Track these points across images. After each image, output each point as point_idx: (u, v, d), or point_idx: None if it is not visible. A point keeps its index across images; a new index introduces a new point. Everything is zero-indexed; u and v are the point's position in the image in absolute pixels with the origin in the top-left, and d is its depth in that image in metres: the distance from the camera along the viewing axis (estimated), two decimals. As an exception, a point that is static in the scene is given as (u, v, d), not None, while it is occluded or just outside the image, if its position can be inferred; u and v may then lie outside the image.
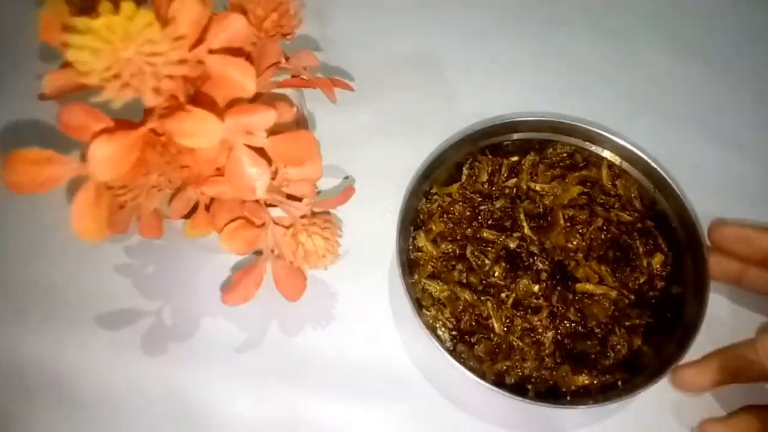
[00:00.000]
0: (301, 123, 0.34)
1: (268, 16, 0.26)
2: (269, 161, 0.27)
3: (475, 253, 0.37)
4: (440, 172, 0.40)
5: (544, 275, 0.36)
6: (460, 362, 0.33)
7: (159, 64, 0.19)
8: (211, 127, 0.22)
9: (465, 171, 0.40)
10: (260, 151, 0.25)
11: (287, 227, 0.30)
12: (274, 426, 0.35)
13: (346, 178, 0.43)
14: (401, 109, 0.46)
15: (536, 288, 0.36)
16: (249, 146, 0.25)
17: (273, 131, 0.26)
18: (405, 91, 0.47)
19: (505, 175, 0.40)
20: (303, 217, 0.32)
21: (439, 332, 0.36)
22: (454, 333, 0.36)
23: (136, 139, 0.22)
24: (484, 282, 0.36)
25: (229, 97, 0.25)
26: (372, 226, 0.41)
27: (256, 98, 0.29)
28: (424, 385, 0.37)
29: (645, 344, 0.36)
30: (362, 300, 0.39)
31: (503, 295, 0.36)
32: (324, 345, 0.38)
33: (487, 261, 0.36)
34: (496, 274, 0.36)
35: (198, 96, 0.26)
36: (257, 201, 0.30)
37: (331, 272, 0.40)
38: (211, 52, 0.22)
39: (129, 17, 0.18)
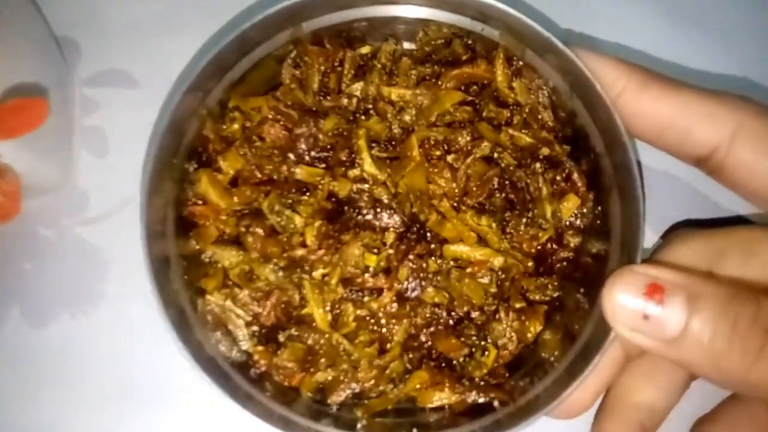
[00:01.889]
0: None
1: None
2: None
3: (276, 207, 0.23)
4: (249, 76, 0.26)
5: (391, 237, 0.23)
6: (255, 376, 0.21)
7: None
8: None
9: (286, 70, 0.26)
10: None
11: None
12: None
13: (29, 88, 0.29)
14: None
15: (373, 260, 0.22)
16: None
17: None
18: None
19: (349, 75, 0.26)
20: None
21: (234, 330, 0.23)
22: (255, 329, 0.23)
23: None
24: (286, 253, 0.23)
25: None
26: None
27: None
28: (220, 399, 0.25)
29: (548, 329, 0.24)
30: (143, 270, 0.26)
31: (320, 271, 0.23)
32: (86, 337, 0.28)
33: (297, 219, 0.23)
34: (307, 241, 0.22)
35: None
36: None
37: (99, 230, 0.30)
38: None
39: None
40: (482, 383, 0.22)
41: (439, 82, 0.25)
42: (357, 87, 0.26)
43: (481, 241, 0.24)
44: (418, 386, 0.23)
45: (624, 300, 0.19)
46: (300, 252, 0.22)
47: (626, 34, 0.31)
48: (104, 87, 0.31)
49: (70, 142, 0.30)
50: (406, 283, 0.23)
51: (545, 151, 0.25)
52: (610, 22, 0.31)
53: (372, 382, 0.23)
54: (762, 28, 0.32)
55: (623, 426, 0.24)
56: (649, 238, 0.28)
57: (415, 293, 0.23)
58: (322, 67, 0.26)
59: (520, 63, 0.26)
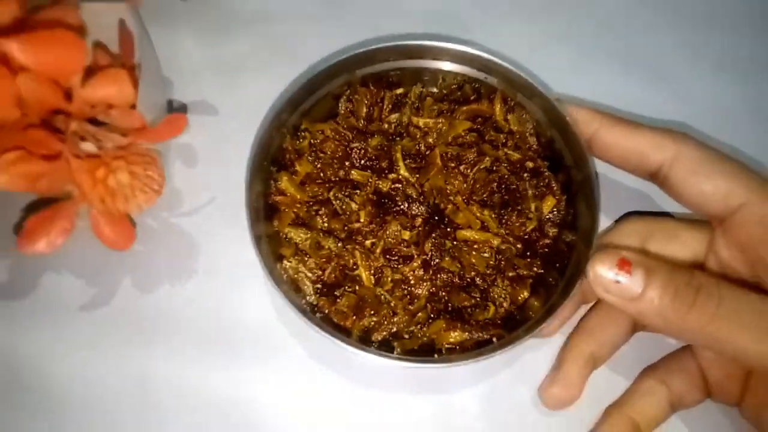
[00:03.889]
0: (124, 41, 0.28)
1: None
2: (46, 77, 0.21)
3: (340, 196, 0.32)
4: (315, 107, 0.35)
5: (419, 221, 0.32)
6: (318, 320, 0.29)
7: None
8: None
9: (342, 104, 0.35)
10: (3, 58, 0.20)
11: (89, 160, 0.25)
12: (124, 392, 0.32)
13: (176, 107, 0.38)
14: (274, 36, 0.41)
15: (407, 235, 0.31)
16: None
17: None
18: (278, 16, 0.42)
19: (388, 108, 0.35)
20: (122, 150, 0.27)
21: (302, 286, 0.32)
22: (318, 286, 0.32)
23: None
24: (347, 228, 0.32)
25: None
26: (240, 168, 0.36)
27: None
28: (292, 344, 0.34)
29: (533, 296, 0.32)
30: (227, 251, 0.36)
31: (369, 242, 0.31)
32: (183, 302, 0.35)
33: (353, 205, 0.32)
34: (362, 219, 0.31)
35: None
36: (52, 129, 0.25)
37: (194, 221, 0.37)
38: None
39: None
40: (484, 324, 0.31)
41: (454, 115, 0.35)
42: (394, 117, 0.35)
43: (484, 227, 0.32)
44: (437, 330, 0.31)
45: (603, 270, 0.26)
46: (356, 225, 0.31)
47: (599, 89, 0.40)
48: (192, 114, 0.39)
49: (168, 155, 0.39)
50: (429, 253, 0.31)
51: (530, 164, 0.33)
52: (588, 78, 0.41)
53: (404, 324, 0.31)
54: (702, 77, 0.42)
55: (578, 357, 0.31)
56: (606, 223, 0.36)
57: (436, 261, 0.32)
58: (368, 102, 0.36)
59: (513, 102, 0.35)
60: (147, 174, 0.26)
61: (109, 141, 0.26)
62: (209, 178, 0.38)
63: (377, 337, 0.31)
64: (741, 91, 0.41)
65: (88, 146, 0.26)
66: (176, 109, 0.39)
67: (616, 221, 0.35)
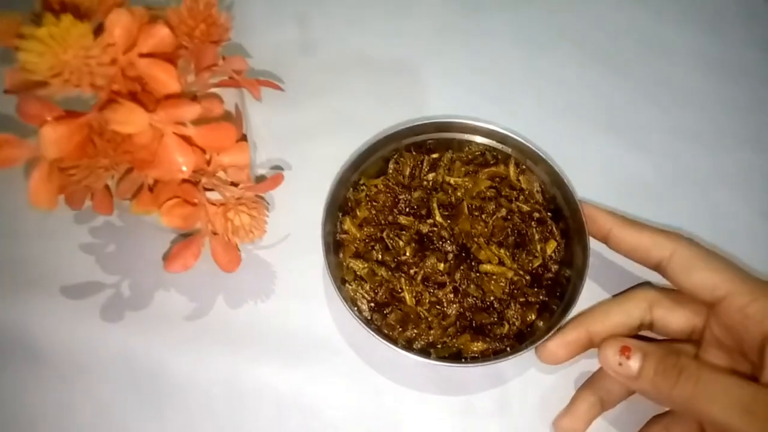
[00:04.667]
0: (238, 119, 0.39)
1: (198, 26, 0.32)
2: (201, 150, 0.32)
3: (391, 235, 0.42)
4: (370, 166, 0.45)
5: (450, 256, 0.41)
6: (374, 329, 0.38)
7: (93, 65, 0.25)
8: (137, 116, 0.27)
9: (391, 165, 0.45)
10: (188, 139, 0.30)
11: (219, 206, 0.35)
12: (216, 386, 0.39)
13: (278, 167, 0.48)
14: (336, 109, 0.50)
15: (441, 266, 0.41)
16: (177, 134, 0.30)
17: (204, 123, 0.31)
18: (340, 93, 0.51)
19: (426, 169, 0.45)
20: (238, 199, 0.37)
21: (359, 304, 0.41)
22: (372, 304, 0.41)
23: (80, 124, 0.28)
24: (396, 260, 0.41)
25: (162, 93, 0.30)
26: (309, 212, 0.44)
27: (196, 96, 0.35)
28: (348, 350, 0.41)
29: (538, 319, 0.41)
30: (298, 277, 0.43)
31: (412, 271, 0.41)
32: (263, 316, 0.41)
33: (401, 242, 0.42)
34: (407, 253, 0.41)
35: (141, 92, 0.31)
36: (193, 183, 0.35)
37: (272, 252, 0.45)
38: (141, 56, 0.27)
39: (67, 28, 0.24)
40: (500, 337, 0.39)
41: (478, 175, 0.45)
42: (431, 176, 0.45)
43: (501, 262, 0.41)
44: (464, 342, 0.40)
45: (610, 355, 0.33)
46: (403, 258, 0.41)
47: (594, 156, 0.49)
48: (272, 169, 0.48)
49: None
50: (458, 282, 0.40)
51: (537, 215, 0.43)
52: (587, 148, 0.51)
53: (438, 336, 0.40)
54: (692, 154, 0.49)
55: (588, 397, 0.37)
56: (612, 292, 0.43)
57: (463, 288, 0.40)
58: (411, 164, 0.46)
59: (524, 167, 0.45)
60: (261, 217, 0.36)
61: (229, 191, 0.37)
62: (284, 221, 0.45)
63: (417, 345, 0.39)
64: (713, 159, 0.49)
65: (216, 195, 0.36)
66: (274, 169, 0.48)
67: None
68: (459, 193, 0.44)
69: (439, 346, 0.39)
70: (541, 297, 0.41)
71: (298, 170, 0.48)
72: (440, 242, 0.42)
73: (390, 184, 0.44)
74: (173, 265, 0.35)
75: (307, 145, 0.49)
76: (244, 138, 0.39)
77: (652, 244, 0.37)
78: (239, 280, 0.42)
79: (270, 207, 0.48)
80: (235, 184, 0.38)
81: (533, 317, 0.41)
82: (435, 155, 0.46)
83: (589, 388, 0.38)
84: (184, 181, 0.34)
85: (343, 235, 0.43)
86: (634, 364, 0.33)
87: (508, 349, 0.39)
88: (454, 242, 0.42)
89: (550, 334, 0.37)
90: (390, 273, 0.41)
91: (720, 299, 0.34)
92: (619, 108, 0.52)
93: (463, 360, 0.39)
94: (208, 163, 0.35)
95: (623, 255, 0.40)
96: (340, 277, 0.41)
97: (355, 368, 0.40)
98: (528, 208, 0.43)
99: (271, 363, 0.40)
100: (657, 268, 0.38)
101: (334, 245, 0.42)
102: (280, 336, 0.41)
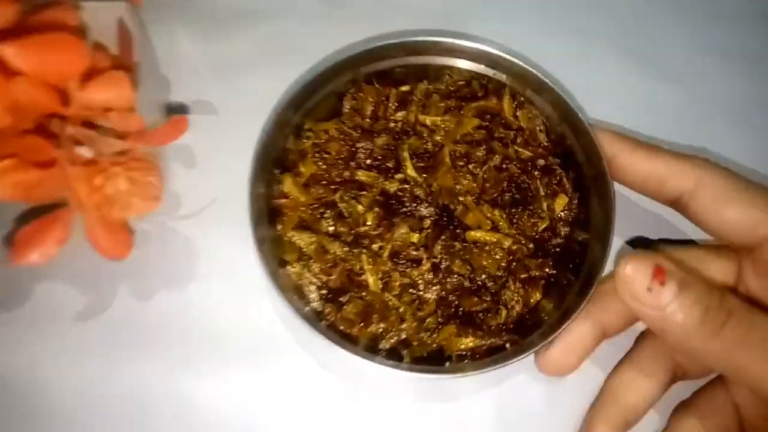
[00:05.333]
0: (123, 40, 0.27)
1: None
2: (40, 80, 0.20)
3: (346, 198, 0.31)
4: (318, 105, 0.34)
5: (427, 223, 0.31)
6: (324, 327, 0.28)
7: None
8: None
9: (346, 103, 0.34)
10: None
11: (86, 167, 0.24)
12: (120, 402, 0.31)
13: (175, 108, 0.37)
14: (276, 32, 0.40)
15: (416, 237, 0.30)
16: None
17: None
18: (281, 12, 0.41)
19: (393, 106, 0.34)
20: (120, 155, 0.26)
21: (307, 292, 0.31)
22: (323, 292, 0.31)
23: None
24: (354, 232, 0.31)
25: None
26: (241, 170, 0.35)
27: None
28: (299, 352, 0.33)
29: (545, 298, 0.31)
30: (228, 256, 0.34)
31: (376, 246, 0.30)
32: (181, 310, 0.34)
33: (360, 207, 0.31)
34: (369, 221, 0.30)
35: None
36: (47, 134, 0.24)
37: (193, 225, 0.36)
38: None
39: None
40: (496, 329, 0.30)
41: (462, 112, 0.34)
42: (400, 115, 0.34)
43: (494, 227, 0.31)
44: (447, 336, 0.30)
45: (637, 275, 0.25)
46: (363, 228, 0.30)
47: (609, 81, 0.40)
48: (192, 114, 0.38)
49: (166, 157, 0.38)
50: (439, 256, 0.30)
51: (541, 162, 0.33)
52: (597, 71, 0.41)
53: (413, 331, 0.30)
54: (711, 71, 0.41)
55: (610, 418, 0.30)
56: (618, 243, 0.35)
57: (445, 264, 0.30)
58: (373, 100, 0.35)
59: (522, 98, 0.34)
60: (146, 180, 0.25)
61: (107, 146, 0.25)
62: (209, 180, 0.37)
63: (385, 344, 0.30)
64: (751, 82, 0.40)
65: (85, 151, 0.25)
66: (176, 111, 0.38)
67: (627, 242, 0.34)
68: (437, 138, 0.33)
69: (415, 344, 0.30)
70: (546, 270, 0.32)
71: (227, 114, 0.39)
72: (413, 205, 0.31)
73: (345, 128, 0.33)
74: (23, 255, 0.24)
75: (239, 81, 0.39)
76: (131, 68, 0.27)
77: (670, 172, 0.30)
78: (149, 263, 0.34)
79: (189, 164, 0.36)
80: (123, 137, 0.26)
81: (538, 297, 0.31)
82: (405, 87, 0.35)
83: (608, 405, 0.30)
84: (27, 131, 0.22)
85: (283, 200, 0.32)
86: (668, 293, 0.24)
87: (508, 346, 0.29)
88: (432, 203, 0.31)
89: (554, 335, 0.28)
90: (346, 249, 0.30)
91: (763, 239, 0.28)
92: (636, 24, 0.42)
93: (447, 362, 0.29)
94: (65, 102, 0.23)
95: (631, 188, 0.32)
96: (279, 257, 0.31)
97: (309, 375, 0.32)
98: (529, 153, 0.33)
99: (195, 371, 0.32)
100: (675, 203, 0.31)
101: (269, 213, 0.31)
102: (206, 335, 0.33)
